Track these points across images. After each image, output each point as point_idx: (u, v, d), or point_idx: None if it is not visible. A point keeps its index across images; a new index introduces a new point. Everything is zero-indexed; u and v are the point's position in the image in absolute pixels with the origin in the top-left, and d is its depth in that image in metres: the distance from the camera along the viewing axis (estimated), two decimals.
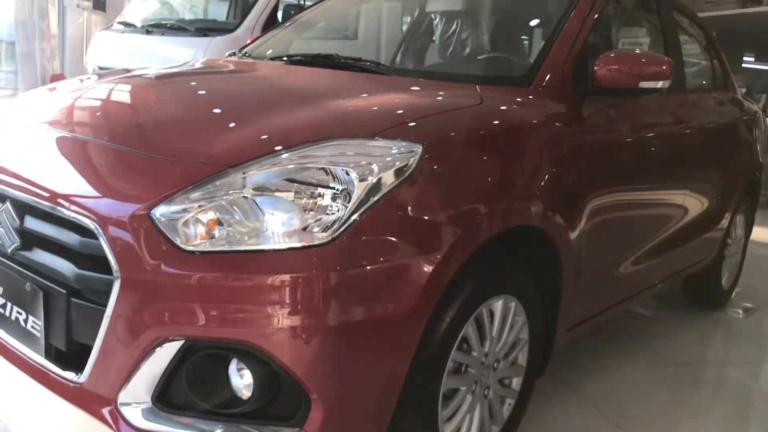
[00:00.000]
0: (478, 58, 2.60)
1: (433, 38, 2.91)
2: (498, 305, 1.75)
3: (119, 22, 5.22)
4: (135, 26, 5.01)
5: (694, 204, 2.90)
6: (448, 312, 1.57)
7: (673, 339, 3.13)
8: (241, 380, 1.42)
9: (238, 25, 4.57)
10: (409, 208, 1.46)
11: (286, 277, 1.34)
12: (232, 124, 1.61)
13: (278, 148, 1.48)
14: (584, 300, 2.19)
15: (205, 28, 4.68)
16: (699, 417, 2.39)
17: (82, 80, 2.29)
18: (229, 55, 2.68)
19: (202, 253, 1.37)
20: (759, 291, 4.04)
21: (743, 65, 13.28)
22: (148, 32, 4.80)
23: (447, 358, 1.60)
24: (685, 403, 2.48)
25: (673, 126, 2.65)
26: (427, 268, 1.46)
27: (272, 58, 2.49)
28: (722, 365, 2.99)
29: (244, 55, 2.63)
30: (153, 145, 1.57)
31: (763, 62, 13.55)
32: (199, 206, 1.40)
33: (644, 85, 2.08)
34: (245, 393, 1.41)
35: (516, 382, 1.92)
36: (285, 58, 2.41)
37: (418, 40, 2.98)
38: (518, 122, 1.84)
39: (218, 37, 4.46)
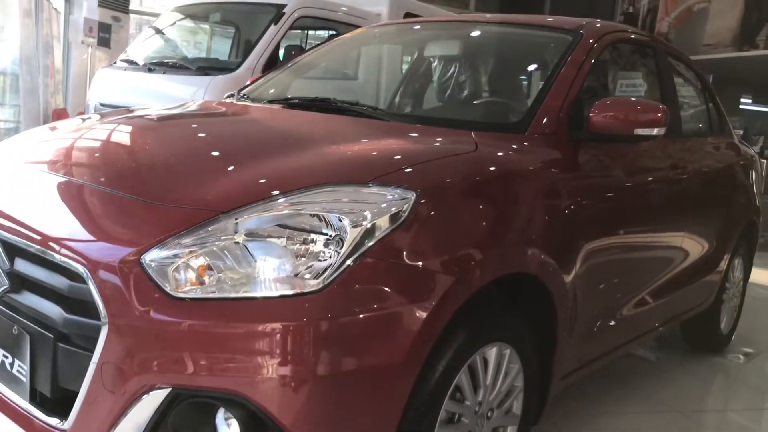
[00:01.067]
0: (474, 103, 2.62)
1: (431, 82, 2.94)
2: (492, 353, 1.72)
3: (122, 60, 5.28)
4: (137, 64, 5.07)
5: (691, 248, 2.89)
6: (440, 360, 1.55)
7: (671, 384, 3.08)
8: (228, 429, 1.39)
9: (239, 65, 4.62)
10: (402, 255, 1.45)
11: (277, 326, 1.33)
12: (225, 169, 1.61)
13: (273, 193, 1.48)
14: (580, 346, 2.17)
15: (206, 67, 4.73)
16: None
17: (83, 120, 2.30)
18: (227, 97, 2.70)
19: (192, 300, 1.36)
20: (759, 334, 4.01)
21: (740, 107, 13.42)
22: (150, 70, 4.85)
23: (440, 408, 1.57)
24: None
25: (669, 171, 2.66)
26: (420, 316, 1.44)
27: (269, 101, 2.51)
28: (722, 412, 2.95)
29: (243, 97, 2.65)
30: (145, 189, 1.57)
31: (760, 104, 13.71)
32: (190, 252, 1.39)
33: (639, 132, 2.09)
34: None
35: (510, 430, 1.88)
36: (282, 102, 2.43)
37: (415, 83, 3.01)
38: (513, 169, 1.85)
39: (219, 76, 4.50)
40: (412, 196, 1.50)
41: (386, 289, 1.42)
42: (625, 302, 2.43)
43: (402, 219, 1.47)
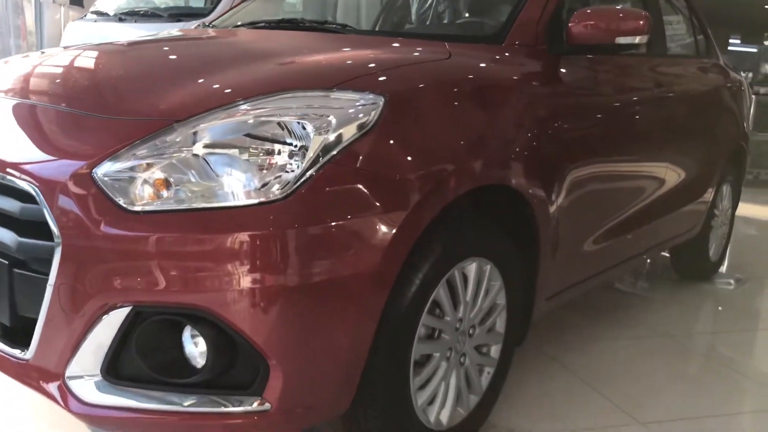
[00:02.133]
0: (449, 19, 2.52)
1: (406, 5, 2.82)
2: (471, 268, 1.67)
3: (92, 12, 5.11)
4: (108, 15, 4.90)
5: (677, 172, 2.83)
6: (417, 274, 1.49)
7: (661, 312, 3.06)
8: (196, 348, 1.33)
9: (211, 10, 4.47)
10: (371, 163, 1.38)
11: (240, 236, 1.26)
12: (183, 81, 1.52)
13: (232, 101, 1.39)
14: (565, 267, 2.11)
15: (178, 14, 4.58)
16: (688, 385, 2.33)
17: (43, 52, 2.19)
18: (195, 27, 2.59)
19: (148, 213, 1.28)
20: (748, 263, 3.99)
21: (729, 47, 13.26)
22: (121, 20, 4.69)
23: (417, 323, 1.52)
24: (674, 372, 2.42)
25: (655, 90, 2.58)
26: (391, 227, 1.37)
27: (236, 26, 2.40)
28: (712, 334, 2.93)
29: (209, 26, 2.54)
30: (98, 105, 1.48)
31: (748, 44, 13.55)
32: (147, 165, 1.31)
33: (621, 40, 2.00)
34: (200, 361, 1.32)
35: (494, 350, 1.84)
36: (248, 25, 2.32)
37: (394, 11, 2.89)
38: (489, 77, 1.76)
39: (191, 22, 4.35)
40: (380, 101, 1.42)
41: (355, 197, 1.35)
42: (610, 225, 2.37)
43: (370, 125, 1.39)
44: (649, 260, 3.71)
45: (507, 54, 1.91)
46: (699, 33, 3.39)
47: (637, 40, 2.01)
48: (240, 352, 1.31)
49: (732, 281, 3.60)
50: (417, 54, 1.76)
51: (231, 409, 1.32)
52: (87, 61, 1.90)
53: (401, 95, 1.48)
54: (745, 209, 5.04)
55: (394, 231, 1.37)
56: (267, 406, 1.31)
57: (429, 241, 1.52)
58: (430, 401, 1.64)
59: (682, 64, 3.02)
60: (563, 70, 2.03)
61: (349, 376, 1.40)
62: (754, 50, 13.04)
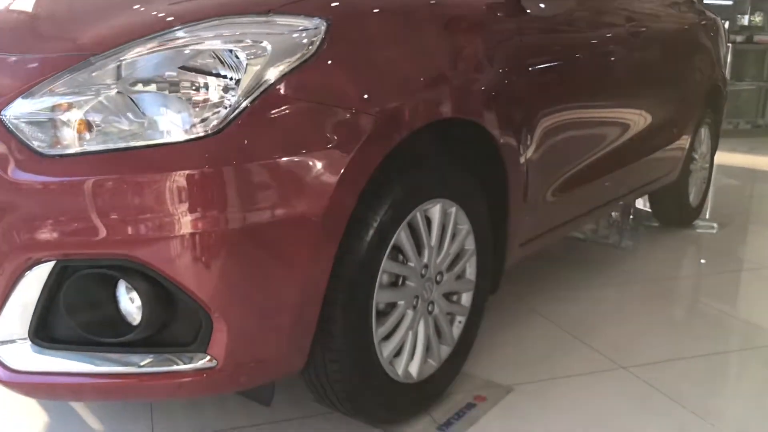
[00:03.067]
0: None
1: None
2: (435, 211, 1.56)
3: None
4: None
5: (652, 113, 2.73)
6: (374, 216, 1.38)
7: (643, 260, 2.99)
8: (132, 304, 1.22)
9: None
10: (313, 93, 1.26)
11: (172, 176, 1.14)
12: (104, 14, 1.37)
13: (157, 31, 1.25)
14: (537, 212, 2.02)
15: None
16: (673, 328, 2.25)
17: None
18: None
19: (68, 156, 1.16)
20: (729, 212, 3.92)
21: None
22: None
23: (378, 269, 1.41)
24: (658, 316, 2.34)
25: (627, 26, 2.46)
26: (339, 164, 1.26)
27: None
28: (696, 278, 2.86)
29: None
30: (11, 44, 1.34)
31: None
32: (68, 105, 1.18)
33: None
34: (137, 318, 1.21)
35: (465, 298, 1.74)
36: None
37: None
38: (448, 3, 1.63)
39: None
40: (323, 26, 1.30)
41: (297, 131, 1.23)
42: (584, 169, 2.27)
43: (311, 53, 1.27)
44: (632, 215, 3.65)
45: None
46: None
47: None
48: (179, 305, 1.19)
49: (714, 225, 3.53)
50: None
51: (181, 367, 1.21)
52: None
53: (348, 19, 1.35)
54: (725, 158, 4.99)
55: (342, 169, 1.25)
56: (213, 362, 1.20)
57: (386, 180, 1.41)
58: (397, 353, 1.54)
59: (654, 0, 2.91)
60: (527, 2, 1.91)
61: (303, 328, 1.30)
62: (729, 2, 12.93)
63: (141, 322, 1.19)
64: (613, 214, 3.48)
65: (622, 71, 2.45)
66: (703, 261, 3.12)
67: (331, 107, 1.27)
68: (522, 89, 1.81)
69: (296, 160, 1.22)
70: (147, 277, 1.17)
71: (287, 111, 1.22)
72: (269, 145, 1.20)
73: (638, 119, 2.61)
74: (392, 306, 1.51)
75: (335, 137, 1.26)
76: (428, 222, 1.56)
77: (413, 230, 1.51)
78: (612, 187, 2.58)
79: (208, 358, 1.20)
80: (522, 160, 1.81)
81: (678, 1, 3.07)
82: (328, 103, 1.27)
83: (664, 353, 2.04)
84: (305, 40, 1.27)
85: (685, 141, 3.15)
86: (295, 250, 1.23)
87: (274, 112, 1.21)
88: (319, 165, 1.24)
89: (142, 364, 1.21)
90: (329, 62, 1.29)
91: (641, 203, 3.84)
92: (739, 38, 7.26)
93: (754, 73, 8.13)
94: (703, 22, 3.27)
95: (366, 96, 1.32)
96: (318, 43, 1.28)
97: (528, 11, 1.89)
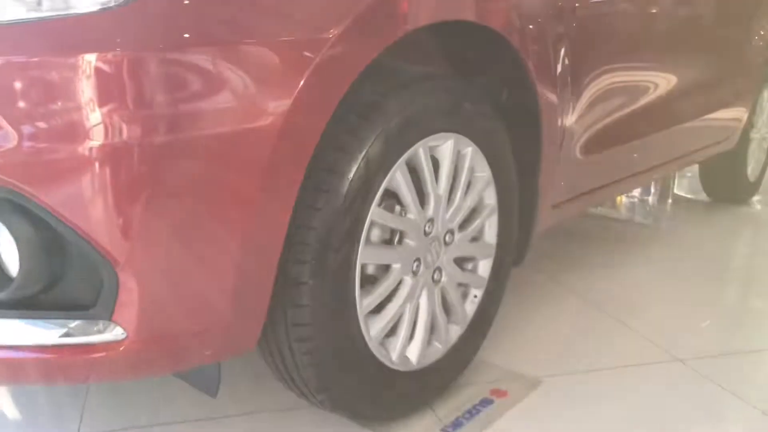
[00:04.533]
0: None
1: None
2: (445, 149, 1.20)
3: None
4: None
5: (707, 69, 2.34)
6: (358, 146, 1.03)
7: (691, 238, 2.58)
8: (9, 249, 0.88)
9: None
10: None
11: (62, 60, 0.80)
12: None
13: None
14: (576, 167, 1.65)
15: None
16: (728, 314, 1.87)
17: None
18: None
19: None
20: None
21: None
22: None
23: (364, 218, 1.06)
24: (711, 301, 1.96)
25: None
26: (306, 58, 0.90)
27: None
28: (753, 258, 2.45)
29: None
30: None
31: None
32: None
33: None
34: (12, 271, 0.88)
35: (483, 267, 1.38)
36: None
37: None
38: None
39: None
40: None
41: (232, 13, 0.88)
42: (628, 121, 1.89)
43: None
44: (670, 199, 3.24)
45: None
46: None
47: None
48: (71, 254, 0.86)
49: None
50: None
51: (89, 338, 0.88)
52: None
53: None
54: None
55: (310, 67, 0.90)
56: (120, 333, 0.87)
57: (378, 99, 1.06)
58: (391, 331, 1.19)
59: None
60: None
61: (252, 291, 0.95)
62: None
63: (17, 276, 0.85)
64: (650, 198, 3.09)
65: (675, 17, 2.05)
66: (762, 239, 2.71)
67: None
68: (567, 13, 1.44)
69: (244, 48, 0.86)
70: (24, 212, 0.83)
71: None
72: (195, 29, 0.84)
73: (690, 74, 2.22)
74: (385, 270, 1.16)
75: (303, 21, 0.91)
76: (435, 164, 1.20)
77: (414, 173, 1.16)
78: (662, 148, 2.19)
79: (112, 326, 0.86)
80: (558, 97, 1.45)
81: None
82: None
83: (724, 344, 1.66)
84: None
85: (745, 105, 2.74)
86: (238, 179, 0.88)
87: None
88: (276, 59, 0.89)
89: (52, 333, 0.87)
90: None
91: (683, 188, 3.42)
92: None
93: None
94: None
95: None
96: None
97: None
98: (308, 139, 0.93)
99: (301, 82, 0.89)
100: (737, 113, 2.71)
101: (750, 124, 2.88)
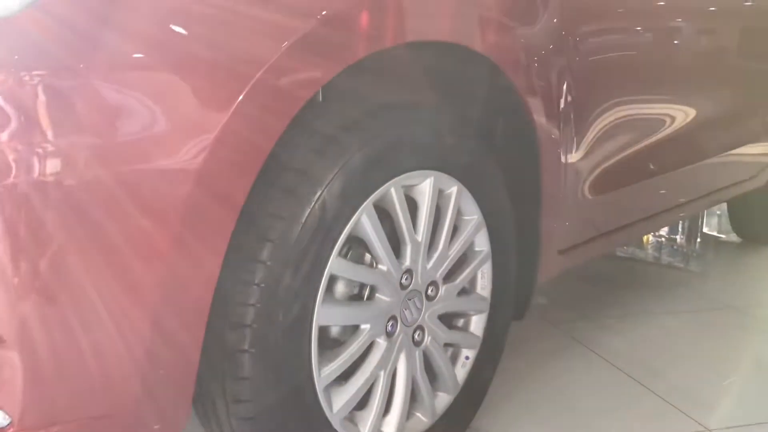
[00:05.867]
0: None
1: None
2: (424, 188, 1.04)
3: None
4: None
5: (732, 101, 2.15)
6: (312, 186, 0.87)
7: (719, 283, 2.36)
8: None
9: None
10: None
11: None
12: None
13: None
14: (583, 206, 1.47)
15: None
16: (746, 368, 1.65)
17: None
18: None
19: None
20: None
21: None
22: None
23: (321, 271, 0.89)
24: (742, 358, 1.74)
25: None
26: (224, 92, 0.75)
27: None
28: None
29: None
30: None
31: None
32: None
33: None
34: None
35: (475, 323, 1.20)
36: None
37: None
38: None
39: None
40: None
41: (149, 13, 0.74)
42: (645, 158, 1.71)
43: None
44: (699, 237, 3.03)
45: None
46: None
47: None
48: None
49: None
50: None
51: None
52: None
53: None
54: None
55: (244, 89, 0.75)
56: (1, 417, 0.70)
57: (334, 132, 0.91)
58: (361, 404, 1.01)
59: None
60: None
61: (174, 365, 0.78)
62: None
63: None
64: (677, 237, 2.89)
65: (692, 46, 1.89)
66: None
67: None
68: (569, 44, 1.29)
69: (152, 74, 0.72)
70: None
71: None
72: (101, 45, 0.70)
73: (712, 107, 2.03)
74: (352, 331, 0.99)
75: (232, 40, 0.76)
76: (415, 205, 1.04)
77: (389, 216, 1.00)
78: (680, 186, 2.00)
79: None
80: (560, 132, 1.28)
81: None
82: None
83: (754, 413, 1.44)
84: None
85: None
86: (146, 229, 0.72)
87: None
88: (196, 85, 0.74)
89: None
90: None
91: (711, 227, 3.21)
92: None
93: None
94: None
95: None
96: None
97: None
98: (239, 180, 0.77)
99: (229, 113, 0.74)
100: (766, 149, 2.52)
101: None
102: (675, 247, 2.89)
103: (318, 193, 0.87)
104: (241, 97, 0.74)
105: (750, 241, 2.86)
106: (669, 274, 2.48)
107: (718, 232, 3.10)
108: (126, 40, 0.71)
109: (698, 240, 3.02)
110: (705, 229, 3.12)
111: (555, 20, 1.24)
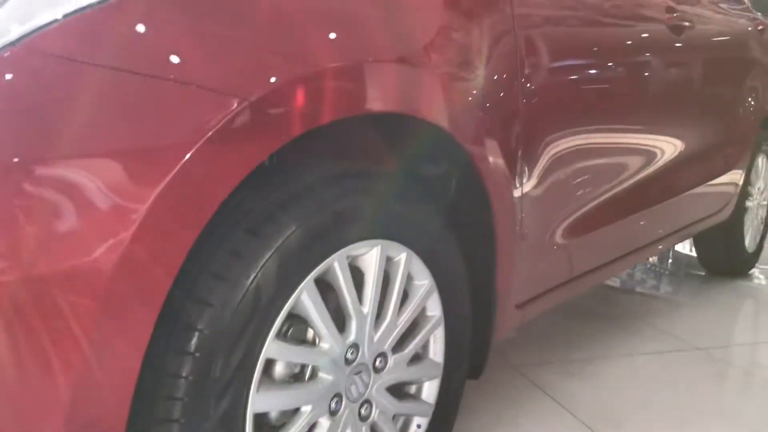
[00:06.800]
0: None
1: None
2: (370, 258, 1.00)
3: None
4: None
5: (697, 135, 2.16)
6: (243, 271, 0.83)
7: (686, 319, 2.36)
8: None
9: None
10: (116, 52, 0.73)
11: None
12: None
13: None
14: (541, 258, 1.44)
15: None
16: (710, 415, 1.63)
17: None
18: None
19: None
20: None
21: None
22: None
23: (256, 356, 0.85)
24: (709, 404, 1.72)
25: (666, 25, 1.90)
26: (155, 173, 0.71)
27: None
28: (753, 345, 2.21)
29: None
30: None
31: None
32: None
33: None
34: None
35: (428, 390, 1.16)
36: None
37: None
38: None
39: None
40: None
41: (76, 114, 0.69)
42: (610, 200, 1.70)
43: None
44: (671, 260, 3.04)
45: None
46: None
47: None
48: None
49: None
50: None
51: None
52: None
53: None
54: None
55: (148, 200, 0.70)
56: None
57: (270, 210, 0.87)
58: None
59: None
60: None
61: None
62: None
63: None
64: (650, 258, 2.90)
65: (662, 79, 1.88)
66: (763, 324, 2.47)
67: (149, 78, 0.73)
68: (523, 91, 1.26)
69: (68, 161, 0.67)
70: None
71: (64, 79, 0.69)
72: (19, 136, 0.66)
73: (675, 146, 2.03)
74: (293, 412, 0.94)
75: (154, 126, 0.72)
76: (360, 274, 1.00)
77: (329, 289, 0.96)
78: (643, 228, 1.99)
79: None
80: (513, 186, 1.25)
81: (726, 5, 2.50)
82: (145, 71, 0.73)
83: None
84: None
85: (738, 172, 2.56)
86: (56, 326, 0.68)
87: (35, 77, 0.68)
88: (117, 173, 0.69)
89: None
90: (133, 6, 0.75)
91: (683, 247, 3.23)
92: None
93: None
94: (759, 27, 2.69)
95: (218, 64, 0.78)
96: None
97: None
98: (159, 272, 0.72)
99: (148, 203, 0.69)
100: (732, 182, 2.53)
101: (745, 193, 2.69)
102: (647, 272, 2.90)
103: (251, 277, 0.83)
104: (163, 183, 0.70)
105: (715, 274, 2.87)
106: (639, 304, 2.47)
107: (687, 264, 3.11)
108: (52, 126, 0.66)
109: (670, 260, 3.04)
110: (677, 248, 3.13)
111: (504, 73, 1.21)
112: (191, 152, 0.72)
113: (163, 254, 0.72)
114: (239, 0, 0.80)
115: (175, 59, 0.74)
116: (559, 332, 2.12)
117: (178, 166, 0.70)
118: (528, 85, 1.27)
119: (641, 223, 1.92)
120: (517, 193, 1.27)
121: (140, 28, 0.73)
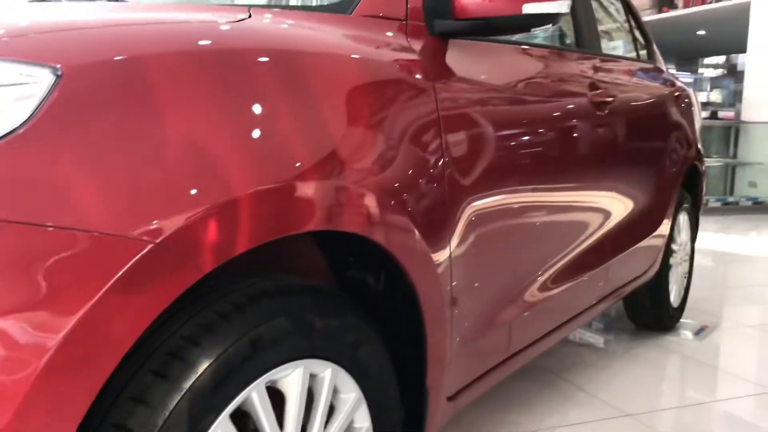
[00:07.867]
0: None
1: None
2: (293, 380, 0.95)
3: None
4: None
5: (622, 200, 2.22)
6: (149, 418, 0.77)
7: (616, 378, 2.39)
8: None
9: None
10: (13, 202, 0.67)
11: None
12: None
13: None
14: (472, 348, 1.43)
15: None
16: None
17: None
18: None
19: None
20: (711, 309, 3.38)
21: None
22: None
23: None
24: None
25: (589, 95, 1.95)
26: (69, 315, 0.66)
27: None
28: (678, 409, 2.25)
29: None
30: None
31: (684, 70, 13.53)
32: None
33: (532, 9, 1.36)
34: None
35: None
36: None
37: None
38: (304, 49, 1.06)
39: None
40: (47, 76, 0.72)
41: None
42: (537, 278, 1.71)
43: (20, 123, 0.69)
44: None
45: (358, 27, 1.23)
46: (637, 33, 2.83)
47: (554, 8, 1.37)
48: None
49: (698, 329, 2.97)
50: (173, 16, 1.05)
51: None
52: None
53: (95, 70, 0.77)
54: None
55: (73, 323, 0.65)
56: None
57: (180, 346, 0.81)
58: None
59: (621, 66, 2.43)
60: (453, 59, 1.38)
61: None
62: (690, 79, 13.00)
63: None
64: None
65: (585, 151, 1.92)
66: (690, 384, 2.53)
67: (47, 229, 0.67)
68: (449, 183, 1.25)
69: None
70: None
71: None
72: None
73: (606, 209, 2.08)
74: None
75: (50, 279, 0.66)
76: (280, 395, 0.95)
77: (246, 419, 0.90)
78: (579, 298, 2.02)
79: None
80: (442, 279, 1.24)
81: (646, 68, 2.61)
82: (41, 221, 0.67)
83: None
84: (18, 97, 0.69)
85: (662, 231, 2.64)
86: None
87: None
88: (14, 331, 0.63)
89: None
90: (50, 141, 0.70)
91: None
92: (704, 114, 7.01)
93: (720, 149, 7.90)
94: (676, 94, 2.81)
95: (122, 208, 0.73)
96: (38, 102, 0.70)
97: (452, 69, 1.36)
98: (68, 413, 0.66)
99: (60, 337, 0.63)
100: (657, 241, 2.60)
101: (669, 250, 2.77)
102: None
103: (159, 425, 0.76)
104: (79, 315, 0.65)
105: (643, 328, 2.93)
106: (564, 353, 2.49)
107: (616, 318, 3.17)
108: None
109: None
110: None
111: (428, 163, 1.19)
112: (87, 306, 0.66)
113: (62, 414, 0.66)
114: (137, 140, 0.76)
115: (71, 206, 0.68)
116: (482, 409, 2.11)
117: (68, 327, 0.65)
118: (450, 171, 1.26)
119: (569, 296, 1.94)
120: (445, 285, 1.25)
121: (31, 175, 0.68)
